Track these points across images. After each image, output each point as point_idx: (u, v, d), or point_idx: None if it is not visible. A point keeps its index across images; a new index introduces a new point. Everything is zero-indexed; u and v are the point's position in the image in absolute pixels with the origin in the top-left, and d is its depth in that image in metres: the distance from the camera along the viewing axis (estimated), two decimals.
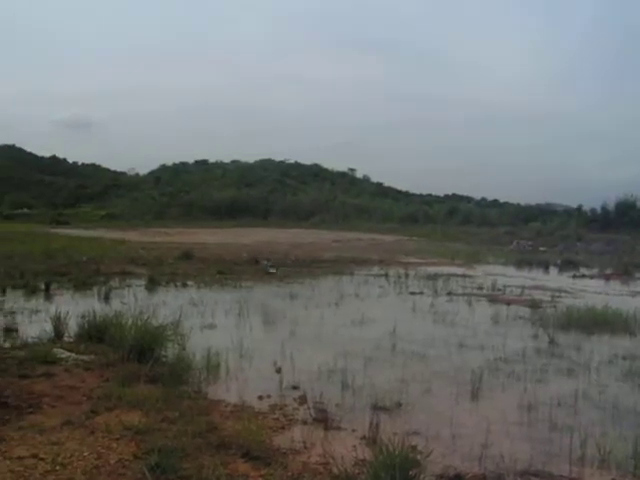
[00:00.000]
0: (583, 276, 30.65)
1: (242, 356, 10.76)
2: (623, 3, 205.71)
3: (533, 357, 11.80)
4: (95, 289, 18.83)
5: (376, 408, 8.07)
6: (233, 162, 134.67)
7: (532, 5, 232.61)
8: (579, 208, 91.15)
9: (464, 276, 27.05)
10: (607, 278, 30.17)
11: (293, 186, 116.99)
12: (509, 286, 23.05)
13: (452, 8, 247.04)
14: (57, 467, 5.81)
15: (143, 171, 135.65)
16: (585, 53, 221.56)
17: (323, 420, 7.55)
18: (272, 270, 25.72)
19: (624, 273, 32.15)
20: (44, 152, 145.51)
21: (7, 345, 10.92)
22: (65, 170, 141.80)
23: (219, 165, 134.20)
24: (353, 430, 7.34)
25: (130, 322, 10.82)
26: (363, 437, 7.06)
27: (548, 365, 11.17)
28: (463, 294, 20.72)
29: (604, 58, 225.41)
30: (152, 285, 20.55)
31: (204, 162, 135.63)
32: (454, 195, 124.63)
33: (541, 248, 50.23)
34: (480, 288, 22.63)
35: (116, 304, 15.49)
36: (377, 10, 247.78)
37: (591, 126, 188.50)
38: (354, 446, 6.74)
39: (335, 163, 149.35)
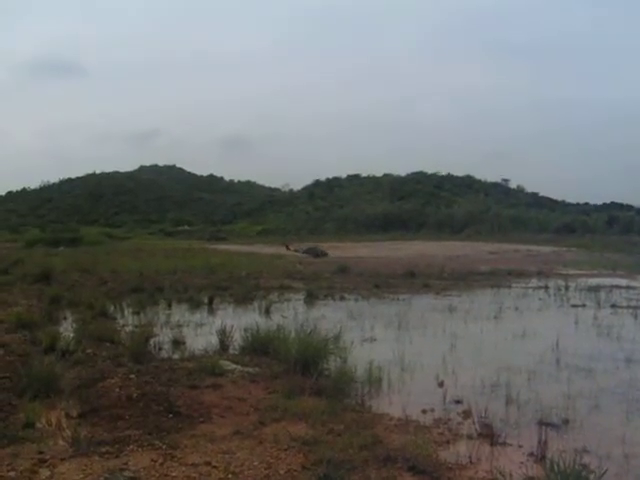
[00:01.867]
0: None
1: (403, 369, 10.75)
2: None
3: None
4: (255, 303, 19.30)
5: (542, 424, 7.87)
6: (385, 176, 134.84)
7: None
8: None
9: (628, 287, 25.95)
10: None
11: (446, 198, 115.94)
12: None
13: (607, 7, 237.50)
14: (229, 475, 6.01)
15: (297, 187, 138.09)
16: None
17: (488, 435, 7.44)
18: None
19: None
20: (202, 171, 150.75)
21: (176, 357, 11.37)
22: (222, 188, 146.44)
23: (371, 179, 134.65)
24: (520, 446, 7.21)
25: (293, 335, 11.06)
26: (531, 454, 6.91)
27: None
28: (628, 307, 19.90)
29: None
30: (310, 299, 20.85)
31: (356, 177, 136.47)
32: (613, 203, 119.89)
33: None
34: None
35: (277, 318, 15.83)
36: (522, 14, 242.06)
37: None
38: (522, 462, 6.62)
39: (488, 174, 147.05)
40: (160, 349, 12.04)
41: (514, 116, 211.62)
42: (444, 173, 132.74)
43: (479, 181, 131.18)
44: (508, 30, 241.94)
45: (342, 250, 48.11)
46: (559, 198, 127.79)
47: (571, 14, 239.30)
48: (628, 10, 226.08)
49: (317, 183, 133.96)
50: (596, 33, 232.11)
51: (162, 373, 9.79)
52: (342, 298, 21.29)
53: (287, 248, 45.20)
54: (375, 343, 13.43)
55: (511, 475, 5.97)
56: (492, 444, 7.23)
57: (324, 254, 41.34)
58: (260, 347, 11.50)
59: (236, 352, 11.71)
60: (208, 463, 6.26)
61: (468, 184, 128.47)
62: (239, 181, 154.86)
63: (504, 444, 7.28)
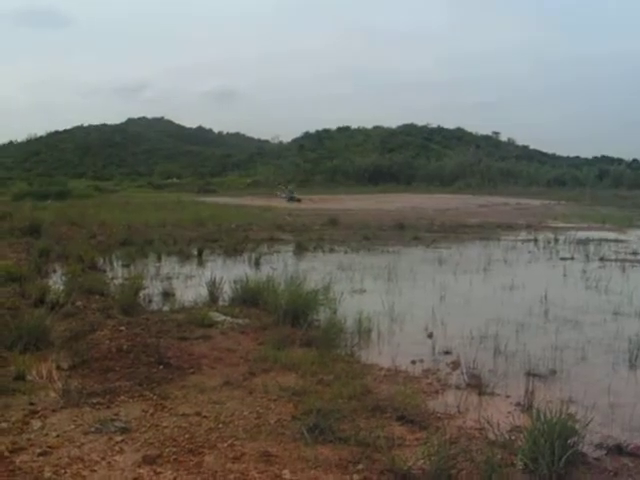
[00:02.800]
0: None
1: (393, 320, 10.84)
2: None
3: None
4: (245, 255, 19.32)
5: (530, 375, 7.96)
6: (375, 128, 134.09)
7: None
8: None
9: (617, 241, 26.07)
10: None
11: (437, 150, 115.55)
12: None
13: None
14: (220, 425, 6.05)
15: (287, 139, 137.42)
16: None
17: (477, 385, 7.53)
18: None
19: None
20: (191, 123, 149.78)
21: (166, 309, 11.38)
22: (211, 140, 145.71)
23: (361, 131, 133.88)
24: (507, 396, 7.30)
25: (282, 287, 11.10)
26: (518, 404, 7.00)
27: None
28: (616, 260, 20.02)
29: None
30: (300, 251, 20.93)
31: (347, 129, 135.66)
32: (604, 157, 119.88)
33: None
34: (634, 253, 21.79)
35: (266, 269, 15.82)
36: None
37: None
38: (509, 412, 6.71)
39: (478, 127, 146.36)
40: (150, 301, 12.06)
41: (512, 70, 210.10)
42: (434, 125, 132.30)
43: (470, 134, 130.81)
44: None
45: (331, 202, 48.08)
46: (550, 151, 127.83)
47: None
48: None
49: (307, 135, 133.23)
50: None
51: (152, 325, 9.81)
52: (331, 250, 21.36)
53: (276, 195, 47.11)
54: (365, 294, 13.50)
55: (498, 424, 6.03)
56: (480, 394, 7.32)
57: (298, 200, 46.39)
58: (250, 298, 11.54)
59: (226, 304, 11.74)
60: (198, 413, 6.30)
61: (458, 137, 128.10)
62: (228, 133, 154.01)
63: (492, 394, 7.37)
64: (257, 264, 17.53)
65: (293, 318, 9.91)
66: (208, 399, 6.71)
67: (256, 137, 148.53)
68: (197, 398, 6.73)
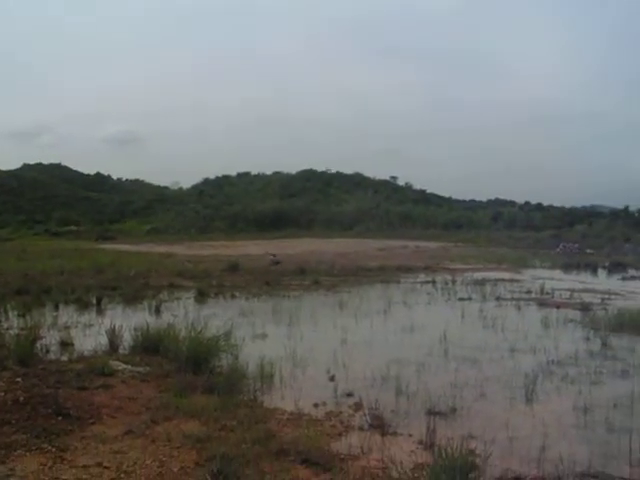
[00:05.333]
0: (633, 278, 30.30)
1: (295, 365, 10.86)
2: None
3: (586, 360, 11.74)
4: (145, 302, 19.06)
5: (431, 413, 8.12)
6: (275, 174, 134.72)
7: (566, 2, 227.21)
8: (626, 209, 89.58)
9: (512, 281, 26.86)
10: None
11: (336, 196, 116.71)
12: (558, 290, 22.81)
13: (486, 12, 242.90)
14: (122, 475, 5.95)
15: (187, 185, 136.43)
16: (623, 49, 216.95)
17: (379, 426, 7.61)
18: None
19: None
20: (90, 169, 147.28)
21: (64, 358, 11.11)
22: (110, 186, 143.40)
23: (261, 177, 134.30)
24: (410, 435, 7.41)
25: (183, 334, 11.01)
26: (420, 442, 7.11)
27: (602, 367, 11.13)
28: (512, 299, 20.61)
29: None
30: (201, 297, 20.77)
31: (246, 174, 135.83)
32: (497, 200, 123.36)
33: (588, 251, 49.63)
34: (528, 292, 22.49)
35: (167, 317, 15.68)
36: (413, 18, 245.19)
37: (638, 125, 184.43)
38: (412, 451, 6.81)
39: (377, 172, 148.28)
40: (47, 351, 11.72)
41: (405, 116, 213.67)
42: (333, 171, 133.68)
43: (368, 178, 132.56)
44: (398, 35, 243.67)
45: (232, 248, 47.91)
46: (446, 195, 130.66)
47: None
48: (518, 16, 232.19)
49: (207, 181, 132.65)
50: (486, 38, 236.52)
51: (50, 375, 9.55)
52: (233, 296, 21.28)
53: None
54: (266, 339, 13.51)
55: (401, 463, 6.12)
56: (383, 434, 7.39)
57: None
58: (151, 346, 11.39)
59: (126, 352, 11.54)
60: (99, 464, 6.17)
61: (357, 182, 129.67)
62: (127, 179, 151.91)
63: (395, 434, 7.46)
64: (158, 311, 17.30)
65: (195, 365, 9.82)
66: (109, 449, 6.57)
67: (155, 183, 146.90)
68: (98, 448, 6.59)
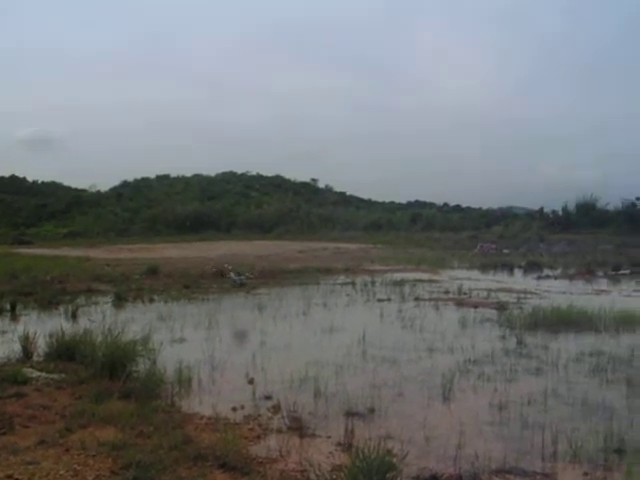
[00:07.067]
0: (547, 277, 31.14)
1: (214, 368, 10.78)
2: (591, 12, 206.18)
3: (502, 358, 11.97)
4: (61, 308, 18.67)
5: (350, 414, 8.15)
6: (195, 176, 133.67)
7: (497, 9, 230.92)
8: (541, 210, 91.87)
9: (430, 281, 27.21)
10: (571, 278, 30.71)
11: (256, 198, 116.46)
12: (475, 289, 23.24)
13: (408, 21, 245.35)
14: None
15: (104, 188, 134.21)
16: (550, 59, 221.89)
17: (298, 428, 7.61)
18: (243, 282, 25.41)
19: (587, 272, 32.69)
20: (3, 171, 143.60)
21: None
22: (25, 189, 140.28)
23: (181, 179, 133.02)
24: (328, 437, 7.41)
25: (100, 339, 10.80)
26: (338, 443, 7.13)
27: (517, 365, 11.37)
28: (430, 299, 20.89)
29: (568, 63, 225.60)
30: (119, 302, 20.44)
31: (166, 177, 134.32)
32: (417, 202, 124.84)
33: (505, 251, 50.71)
34: (446, 292, 22.83)
35: (84, 322, 15.38)
36: (335, 24, 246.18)
37: (552, 130, 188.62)
38: (330, 452, 6.83)
39: (297, 174, 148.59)
40: None
41: (327, 120, 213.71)
42: (254, 173, 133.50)
43: (288, 181, 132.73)
44: (320, 41, 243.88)
45: (152, 252, 47.36)
46: (366, 197, 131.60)
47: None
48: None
49: (125, 184, 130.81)
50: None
51: None
52: (151, 300, 21.02)
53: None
54: (185, 343, 13.38)
55: (320, 465, 6.13)
56: (301, 436, 7.40)
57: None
58: (66, 353, 11.13)
59: (41, 359, 11.27)
60: (10, 476, 6.00)
61: (277, 184, 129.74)
62: (43, 182, 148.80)
63: (313, 436, 7.47)
64: (74, 317, 16.95)
65: (111, 370, 9.66)
66: (21, 460, 6.39)
67: (73, 186, 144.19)
68: (9, 460, 6.40)
